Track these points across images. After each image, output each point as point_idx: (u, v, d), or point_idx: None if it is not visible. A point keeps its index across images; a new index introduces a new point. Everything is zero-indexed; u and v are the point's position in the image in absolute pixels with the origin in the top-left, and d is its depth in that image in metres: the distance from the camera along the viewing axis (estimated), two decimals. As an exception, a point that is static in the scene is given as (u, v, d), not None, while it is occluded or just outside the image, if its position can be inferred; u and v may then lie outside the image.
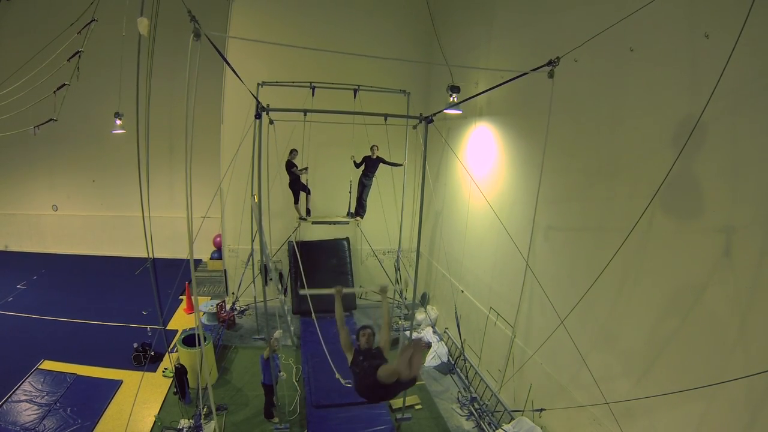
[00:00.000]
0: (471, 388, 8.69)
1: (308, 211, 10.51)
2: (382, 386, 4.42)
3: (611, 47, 5.27)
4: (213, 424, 7.26)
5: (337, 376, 6.40)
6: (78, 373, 8.66)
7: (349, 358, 4.98)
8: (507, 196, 8.04)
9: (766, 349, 3.73)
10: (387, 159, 9.72)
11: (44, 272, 13.96)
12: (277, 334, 7.90)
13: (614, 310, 5.51)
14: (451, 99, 8.25)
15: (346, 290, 5.65)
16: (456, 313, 9.38)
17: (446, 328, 10.77)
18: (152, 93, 5.18)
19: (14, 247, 15.72)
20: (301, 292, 6.97)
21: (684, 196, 4.51)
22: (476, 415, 8.01)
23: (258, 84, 9.47)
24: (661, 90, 4.81)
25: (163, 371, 8.93)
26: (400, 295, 12.02)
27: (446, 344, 10.34)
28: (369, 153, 9.69)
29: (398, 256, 11.49)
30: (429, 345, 10.08)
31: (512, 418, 7.26)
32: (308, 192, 10.29)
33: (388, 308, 5.47)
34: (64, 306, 11.61)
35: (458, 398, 8.64)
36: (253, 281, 10.76)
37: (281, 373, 8.36)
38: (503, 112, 8.39)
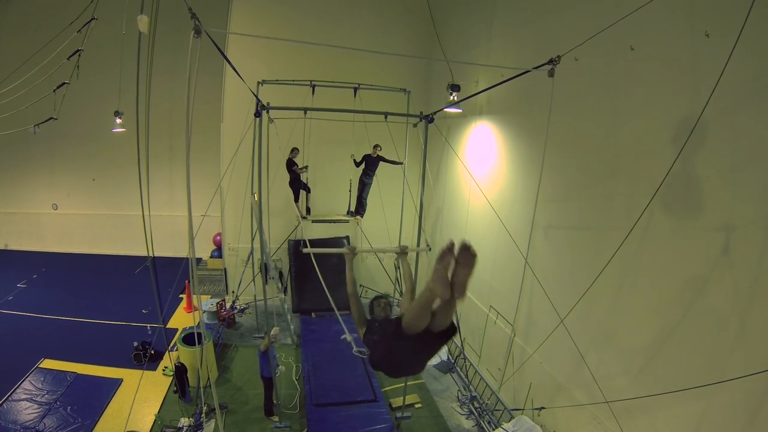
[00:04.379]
0: (471, 387, 8.70)
1: (308, 210, 10.51)
2: (409, 343, 3.24)
3: (612, 46, 5.27)
4: (213, 422, 7.28)
5: (348, 338, 4.51)
6: (78, 371, 8.67)
7: (362, 332, 3.90)
8: (507, 194, 8.04)
9: (766, 348, 3.74)
10: (387, 157, 9.72)
11: (44, 271, 13.96)
12: (274, 331, 7.91)
13: (614, 308, 5.51)
14: (452, 97, 8.24)
15: (360, 250, 5.04)
16: (456, 312, 9.36)
17: (446, 327, 10.76)
18: (152, 91, 5.18)
19: (14, 246, 15.72)
20: (304, 250, 5.90)
21: (684, 195, 4.51)
22: (476, 413, 8.02)
23: (258, 82, 9.47)
24: (661, 89, 4.81)
25: (163, 370, 8.93)
26: (401, 294, 12.02)
27: (446, 343, 10.33)
28: (370, 152, 9.68)
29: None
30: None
31: (512, 417, 7.26)
32: (308, 191, 10.29)
33: (410, 272, 4.67)
34: (64, 305, 11.61)
35: (458, 397, 8.65)
36: (253, 280, 10.76)
37: (279, 367, 8.36)
38: (503, 110, 8.38)
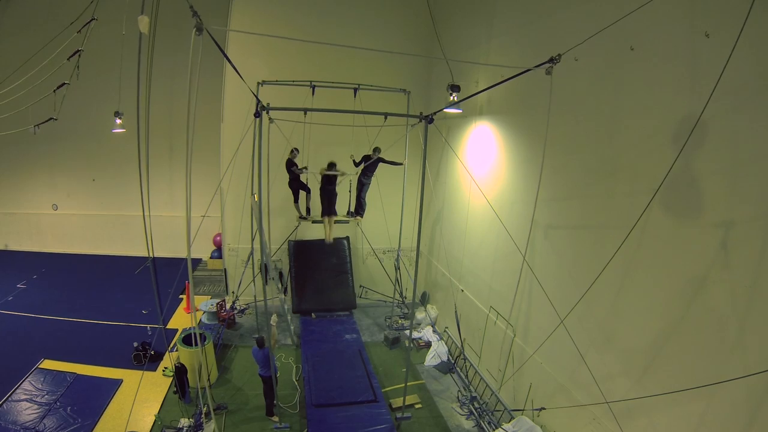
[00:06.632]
0: (471, 387, 8.70)
1: (308, 210, 10.51)
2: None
3: (611, 46, 5.27)
4: (213, 423, 7.27)
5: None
6: (78, 372, 8.67)
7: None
8: (507, 195, 8.04)
9: (766, 349, 3.73)
10: (387, 158, 9.71)
11: (44, 271, 13.96)
12: (273, 319, 7.87)
13: (614, 309, 5.51)
14: (452, 98, 8.24)
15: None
16: (456, 312, 9.38)
17: (446, 328, 10.77)
18: (152, 92, 5.18)
19: (14, 247, 15.73)
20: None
21: (684, 195, 4.51)
22: (476, 414, 8.01)
23: (258, 83, 9.47)
24: (661, 89, 4.81)
25: (163, 370, 8.93)
26: (401, 294, 12.02)
27: (446, 343, 10.34)
28: (369, 153, 9.68)
29: (398, 255, 11.49)
30: None
31: (512, 417, 7.26)
32: (308, 191, 10.29)
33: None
34: (64, 305, 11.61)
35: (458, 397, 8.64)
36: (253, 280, 10.76)
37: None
38: (503, 111, 8.39)
